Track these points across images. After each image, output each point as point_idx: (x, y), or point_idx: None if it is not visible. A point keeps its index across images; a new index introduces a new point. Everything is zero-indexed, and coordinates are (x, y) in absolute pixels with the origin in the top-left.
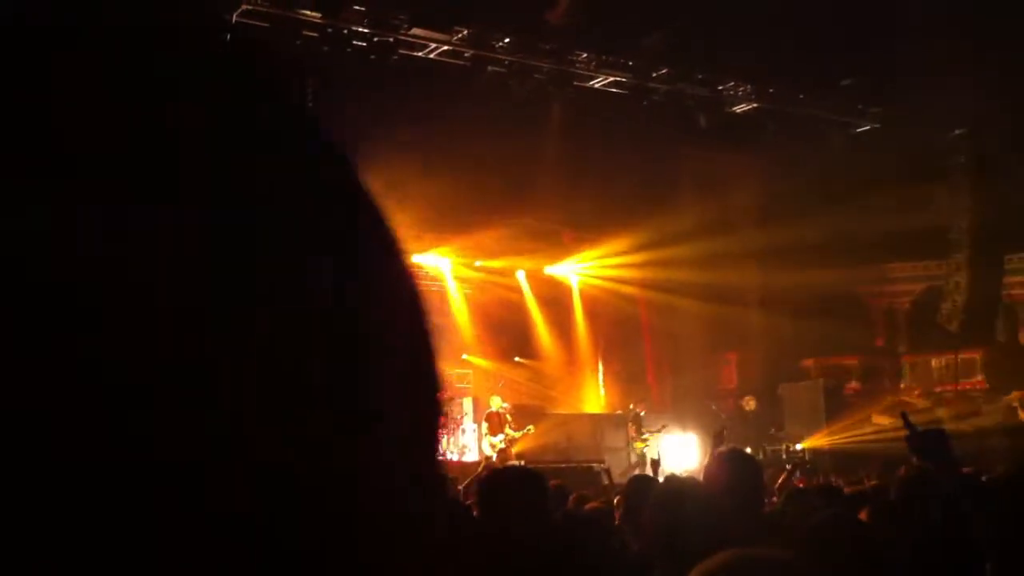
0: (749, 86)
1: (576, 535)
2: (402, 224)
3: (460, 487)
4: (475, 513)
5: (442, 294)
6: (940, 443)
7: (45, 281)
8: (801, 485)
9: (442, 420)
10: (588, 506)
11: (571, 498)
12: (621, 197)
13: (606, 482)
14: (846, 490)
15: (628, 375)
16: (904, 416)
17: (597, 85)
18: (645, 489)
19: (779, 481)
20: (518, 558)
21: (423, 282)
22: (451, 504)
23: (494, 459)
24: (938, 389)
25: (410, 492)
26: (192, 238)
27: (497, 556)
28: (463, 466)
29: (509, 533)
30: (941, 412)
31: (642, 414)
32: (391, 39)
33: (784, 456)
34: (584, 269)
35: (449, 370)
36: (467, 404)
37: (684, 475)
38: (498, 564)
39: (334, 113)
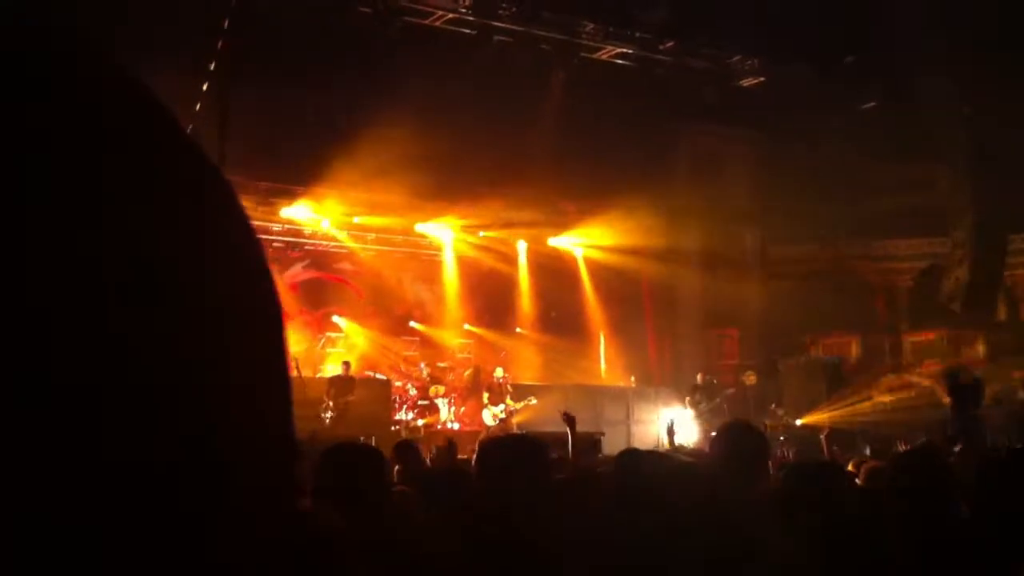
0: (755, 60)
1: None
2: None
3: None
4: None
5: (443, 264)
6: (977, 392)
7: None
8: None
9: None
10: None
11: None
12: (625, 169)
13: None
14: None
15: (629, 348)
16: (949, 370)
17: (603, 57)
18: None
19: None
20: (516, 523)
21: (425, 251)
22: (454, 470)
23: (495, 429)
24: (939, 367)
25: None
26: None
27: (496, 521)
28: (464, 435)
29: (507, 498)
30: (941, 390)
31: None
32: (396, 5)
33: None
34: (586, 241)
35: (451, 340)
36: (468, 374)
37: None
38: (496, 529)
39: (337, 80)
